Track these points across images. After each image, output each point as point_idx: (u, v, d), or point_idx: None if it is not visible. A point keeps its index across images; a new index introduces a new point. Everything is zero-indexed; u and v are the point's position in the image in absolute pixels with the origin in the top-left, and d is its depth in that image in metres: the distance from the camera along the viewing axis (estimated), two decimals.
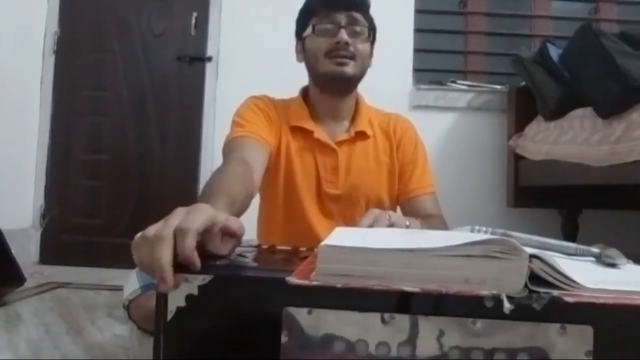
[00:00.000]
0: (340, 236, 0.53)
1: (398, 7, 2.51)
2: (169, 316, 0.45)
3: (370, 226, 0.73)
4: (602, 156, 1.59)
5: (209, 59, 2.59)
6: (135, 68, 2.63)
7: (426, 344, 0.41)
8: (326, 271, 0.44)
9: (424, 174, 1.21)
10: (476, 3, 2.69)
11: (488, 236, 0.53)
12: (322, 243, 0.46)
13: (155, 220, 0.50)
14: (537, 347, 0.41)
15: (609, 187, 1.89)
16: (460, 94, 2.56)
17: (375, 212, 0.77)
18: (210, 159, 2.52)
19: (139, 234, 0.49)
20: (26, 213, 2.56)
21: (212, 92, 2.58)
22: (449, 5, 2.70)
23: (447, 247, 0.44)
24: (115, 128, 2.63)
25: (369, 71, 1.17)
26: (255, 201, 1.04)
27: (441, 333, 0.41)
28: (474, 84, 2.58)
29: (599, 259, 0.57)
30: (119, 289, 1.03)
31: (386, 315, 0.42)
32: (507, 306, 0.41)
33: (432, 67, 2.65)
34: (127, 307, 0.94)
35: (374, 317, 0.42)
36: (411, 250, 0.44)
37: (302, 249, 0.68)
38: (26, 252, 2.45)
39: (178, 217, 0.49)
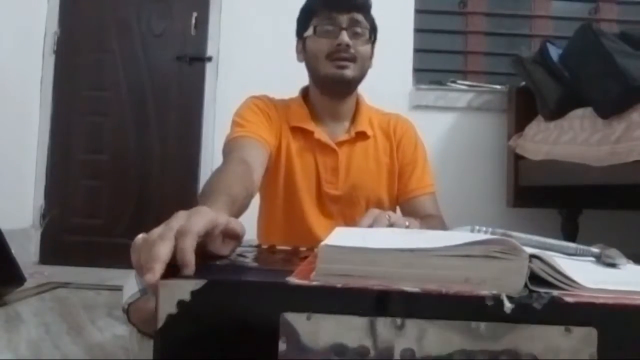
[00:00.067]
0: (340, 236, 0.53)
1: (398, 7, 2.51)
2: (159, 324, 0.42)
3: (370, 226, 0.73)
4: (602, 156, 1.59)
5: (209, 59, 2.59)
6: (135, 68, 2.63)
7: (429, 348, 0.41)
8: (326, 271, 0.44)
9: (424, 174, 1.21)
10: (476, 3, 2.69)
11: (488, 236, 0.53)
12: (322, 243, 0.45)
13: (155, 220, 0.49)
14: (541, 350, 0.41)
15: (609, 187, 1.89)
16: (460, 94, 2.56)
17: (375, 212, 0.77)
18: (210, 159, 2.52)
19: (139, 236, 0.48)
20: (26, 213, 2.56)
21: (212, 92, 2.58)
22: (449, 5, 2.70)
23: (447, 247, 0.44)
24: (115, 128, 2.63)
25: (369, 71, 1.17)
26: (256, 201, 1.04)
27: (445, 337, 0.41)
28: (474, 84, 2.58)
29: (599, 259, 0.57)
30: (119, 289, 1.03)
31: (388, 320, 0.41)
32: (507, 306, 0.41)
33: (432, 67, 2.65)
34: (127, 311, 0.94)
35: (375, 322, 0.41)
36: (411, 250, 0.44)
37: (302, 249, 0.68)
38: (26, 252, 2.45)
39: (179, 220, 0.48)
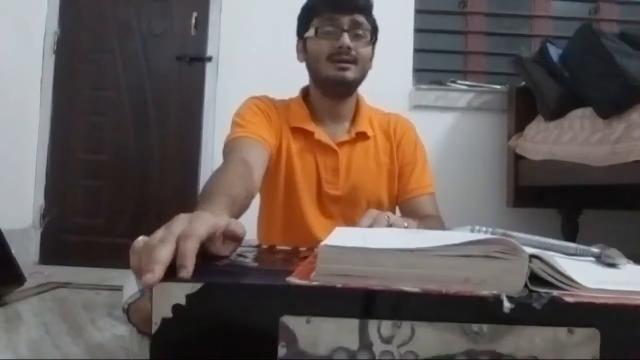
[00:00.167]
0: (340, 236, 0.53)
1: (398, 7, 2.51)
2: (154, 328, 0.41)
3: (370, 226, 0.73)
4: (602, 156, 1.59)
5: (209, 59, 2.59)
6: (135, 68, 2.63)
7: (430, 348, 0.41)
8: (326, 271, 0.44)
9: (423, 174, 1.21)
10: (476, 3, 2.69)
11: (488, 236, 0.53)
12: (322, 243, 0.45)
13: (155, 220, 0.49)
14: (541, 350, 0.41)
15: (609, 187, 1.89)
16: (460, 94, 2.56)
17: (374, 212, 0.77)
18: (210, 159, 2.52)
19: (139, 238, 0.48)
20: (26, 213, 2.56)
21: (212, 92, 2.58)
22: (449, 5, 2.70)
23: (447, 247, 0.44)
24: (115, 128, 2.63)
25: (369, 71, 1.17)
26: (256, 201, 1.04)
27: (445, 337, 0.41)
28: (474, 84, 2.58)
29: (599, 259, 0.57)
30: (119, 289, 1.03)
31: (389, 323, 0.41)
32: (507, 306, 0.41)
33: (432, 67, 2.65)
34: (127, 311, 0.94)
35: (376, 325, 0.41)
36: (411, 250, 0.44)
37: (302, 249, 0.68)
38: (26, 252, 2.44)
39: (181, 224, 0.48)
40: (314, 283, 0.43)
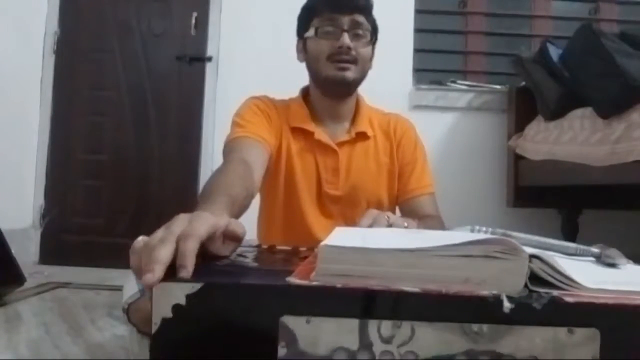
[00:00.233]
0: (340, 236, 0.53)
1: (398, 7, 2.51)
2: (154, 328, 0.41)
3: (370, 226, 0.73)
4: (602, 156, 1.59)
5: (209, 59, 2.59)
6: (135, 68, 2.63)
7: (430, 348, 0.41)
8: (326, 271, 0.44)
9: (423, 174, 1.21)
10: (476, 3, 2.69)
11: (488, 236, 0.53)
12: (322, 243, 0.45)
13: (155, 220, 0.49)
14: (541, 350, 0.41)
15: (609, 187, 1.89)
16: (460, 94, 2.56)
17: (373, 212, 0.77)
18: (210, 159, 2.52)
19: (139, 238, 0.48)
20: (26, 213, 2.56)
21: (212, 92, 2.58)
22: (449, 5, 2.70)
23: (447, 247, 0.44)
24: (115, 128, 2.63)
25: (369, 71, 1.17)
26: (256, 201, 1.04)
27: (445, 337, 0.41)
28: (474, 84, 2.58)
29: (599, 259, 0.57)
30: (119, 289, 1.03)
31: (389, 323, 0.41)
32: (507, 306, 0.41)
33: (432, 67, 2.65)
34: (127, 311, 0.94)
35: (376, 325, 0.41)
36: (411, 250, 0.44)
37: (302, 249, 0.68)
38: (26, 252, 2.44)
39: (181, 224, 0.48)
40: (314, 283, 0.43)
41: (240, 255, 0.58)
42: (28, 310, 1.51)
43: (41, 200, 2.60)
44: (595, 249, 0.58)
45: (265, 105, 1.16)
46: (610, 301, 0.41)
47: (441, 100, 2.55)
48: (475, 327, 0.41)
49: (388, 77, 2.07)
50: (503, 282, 0.42)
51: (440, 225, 1.10)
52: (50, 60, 2.62)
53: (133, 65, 2.63)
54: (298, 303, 0.41)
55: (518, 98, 2.36)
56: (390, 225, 0.75)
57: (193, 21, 2.60)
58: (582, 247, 0.58)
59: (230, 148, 1.05)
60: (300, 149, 1.16)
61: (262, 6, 2.57)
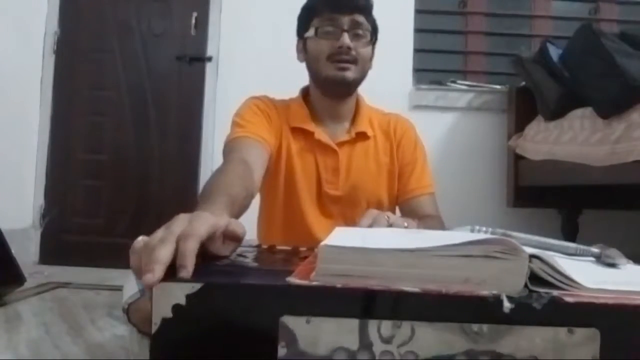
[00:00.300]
0: (340, 236, 0.53)
1: (398, 7, 2.51)
2: (154, 328, 0.41)
3: (370, 226, 0.73)
4: (602, 156, 1.59)
5: (209, 59, 2.59)
6: (135, 68, 2.63)
7: (430, 348, 0.41)
8: (326, 271, 0.44)
9: (423, 174, 1.21)
10: (476, 3, 2.69)
11: (488, 236, 0.53)
12: (322, 243, 0.45)
13: (156, 220, 0.49)
14: (541, 350, 0.41)
15: (609, 187, 1.89)
16: (460, 94, 2.56)
17: (373, 212, 0.77)
18: (210, 159, 2.52)
19: (139, 238, 0.48)
20: (26, 213, 2.56)
21: (212, 92, 2.58)
22: (449, 5, 2.70)
23: (447, 247, 0.44)
24: (115, 128, 2.63)
25: (369, 71, 1.17)
26: (256, 201, 1.04)
27: (445, 337, 0.41)
28: (474, 84, 2.58)
29: (599, 259, 0.57)
30: (119, 289, 1.03)
31: (389, 323, 0.41)
32: (507, 306, 0.41)
33: (432, 67, 2.65)
34: (127, 311, 0.94)
35: (376, 325, 0.41)
36: (411, 251, 0.44)
37: (302, 249, 0.68)
38: (26, 252, 2.44)
39: (181, 224, 0.48)
40: (314, 283, 0.43)
41: (240, 255, 0.58)
42: (28, 310, 1.51)
43: (41, 200, 2.60)
44: (595, 249, 0.58)
45: (265, 105, 1.16)
46: (610, 301, 0.41)
47: (441, 100, 2.55)
48: (475, 327, 0.41)
49: (388, 77, 2.07)
50: (503, 282, 0.42)
51: (440, 225, 1.10)
52: (50, 60, 2.62)
53: (133, 65, 2.63)
54: (298, 303, 0.41)
55: (518, 98, 2.36)
56: (390, 225, 0.75)
57: (193, 21, 2.60)
58: (582, 247, 0.58)
59: (230, 148, 1.05)
60: (300, 149, 1.16)
61: (262, 6, 2.57)
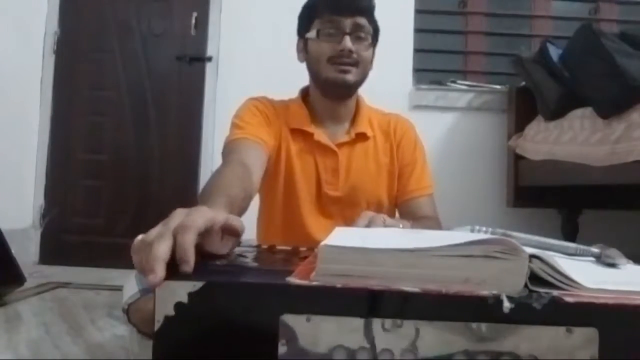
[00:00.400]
0: (340, 236, 0.53)
1: (398, 7, 2.51)
2: (156, 326, 0.42)
3: (367, 227, 0.73)
4: (602, 156, 1.59)
5: (209, 59, 2.59)
6: (135, 68, 2.63)
7: (430, 348, 0.41)
8: (326, 271, 0.44)
9: (423, 175, 1.21)
10: (476, 3, 2.69)
11: (488, 236, 0.53)
12: (322, 243, 0.45)
13: (156, 220, 0.49)
14: (541, 350, 0.41)
15: (609, 187, 1.89)
16: (460, 94, 2.56)
17: (369, 214, 0.77)
18: (210, 159, 2.52)
19: (139, 237, 0.48)
20: (26, 213, 2.56)
21: (212, 92, 2.58)
22: (449, 5, 2.70)
23: (447, 247, 0.44)
24: (115, 128, 2.63)
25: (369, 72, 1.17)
26: (255, 202, 1.04)
27: (445, 337, 0.41)
28: (474, 84, 2.58)
29: (599, 259, 0.57)
30: (119, 289, 1.03)
31: (388, 321, 0.41)
32: (507, 306, 0.41)
33: (432, 67, 2.65)
34: (127, 311, 0.94)
35: (376, 323, 0.41)
36: (411, 251, 0.44)
37: (302, 249, 0.68)
38: (26, 252, 2.44)
39: (177, 218, 0.48)
40: (314, 283, 0.43)
41: (240, 255, 0.58)
42: (28, 310, 1.51)
43: (41, 200, 2.60)
44: (595, 249, 0.58)
45: (264, 107, 1.16)
46: (610, 301, 0.41)
47: (441, 100, 2.55)
48: (475, 326, 0.41)
49: (388, 77, 2.07)
50: (503, 282, 0.42)
51: (437, 227, 1.09)
52: (50, 60, 2.62)
53: (133, 65, 2.63)
54: (298, 302, 0.42)
55: (518, 98, 2.36)
56: (385, 227, 0.75)
57: (193, 21, 2.60)
58: (582, 247, 0.58)
59: (229, 150, 1.05)
60: (300, 150, 1.16)
61: (262, 6, 2.57)
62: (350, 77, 1.10)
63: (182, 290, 0.42)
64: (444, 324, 0.41)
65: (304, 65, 1.18)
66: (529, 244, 0.55)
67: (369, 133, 1.19)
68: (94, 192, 2.62)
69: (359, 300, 0.42)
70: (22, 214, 2.54)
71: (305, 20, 1.14)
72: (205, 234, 0.49)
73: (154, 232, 0.47)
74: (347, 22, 1.08)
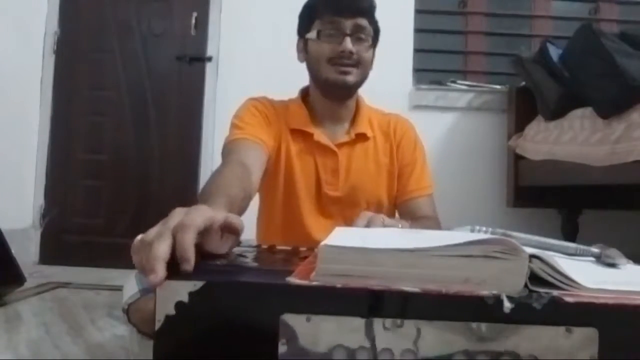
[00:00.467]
0: (340, 236, 0.53)
1: (398, 7, 2.51)
2: (157, 325, 0.42)
3: (366, 227, 0.73)
4: (602, 156, 1.59)
5: (209, 59, 2.59)
6: (135, 68, 2.63)
7: (429, 348, 0.41)
8: (326, 271, 0.44)
9: (422, 175, 1.21)
10: (476, 3, 2.69)
11: (488, 236, 0.53)
12: (322, 243, 0.45)
13: (156, 220, 0.49)
14: (541, 350, 0.41)
15: (609, 187, 1.89)
16: (460, 94, 2.56)
17: (368, 214, 0.77)
18: (210, 159, 2.52)
19: (138, 237, 0.48)
20: (26, 213, 2.56)
21: (212, 92, 2.58)
22: (449, 5, 2.70)
23: (447, 247, 0.44)
24: (115, 128, 2.63)
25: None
26: (255, 202, 1.04)
27: (445, 337, 0.41)
28: (474, 84, 2.58)
29: (599, 259, 0.57)
30: (119, 289, 1.03)
31: (388, 321, 0.41)
32: (507, 306, 0.41)
33: (432, 67, 2.65)
34: (127, 311, 0.94)
35: (375, 323, 0.41)
36: (411, 251, 0.44)
37: (302, 249, 0.68)
38: (26, 252, 2.44)
39: (177, 217, 0.48)
40: (314, 283, 0.43)
41: (240, 255, 0.58)
42: (28, 310, 1.51)
43: (41, 200, 2.60)
44: (595, 249, 0.58)
45: (264, 107, 1.16)
46: (610, 301, 0.41)
47: (441, 100, 2.55)
48: (474, 326, 0.41)
49: (388, 77, 2.07)
50: (503, 282, 0.42)
51: (437, 227, 1.09)
52: (50, 60, 2.62)
53: (133, 65, 2.63)
54: (299, 302, 0.42)
55: (518, 98, 2.36)
56: (384, 227, 0.75)
57: (193, 21, 2.60)
58: (582, 247, 0.58)
59: (228, 150, 1.05)
60: (300, 150, 1.16)
61: (262, 6, 2.57)
62: (350, 78, 1.10)
63: (183, 290, 0.42)
64: (444, 324, 0.41)
65: (304, 65, 1.18)
66: (529, 244, 0.55)
67: (369, 133, 1.19)
68: (94, 192, 2.62)
69: (359, 300, 0.42)
70: (22, 214, 2.54)
71: (306, 20, 1.14)
72: (204, 233, 0.49)
73: (153, 231, 0.47)
74: (348, 23, 1.08)
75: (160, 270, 0.42)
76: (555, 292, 0.42)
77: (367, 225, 0.74)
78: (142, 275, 0.46)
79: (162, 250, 0.44)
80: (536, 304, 0.41)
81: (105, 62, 2.63)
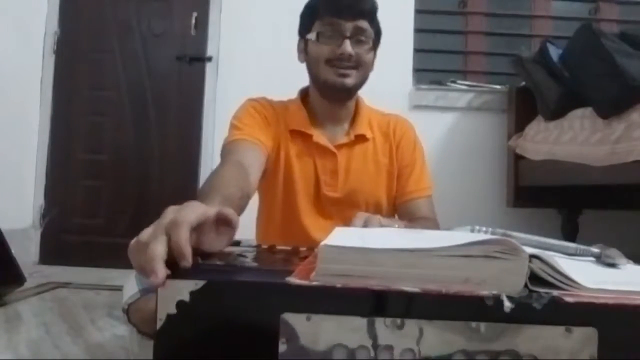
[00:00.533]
0: (340, 236, 0.53)
1: (398, 7, 2.51)
2: (159, 324, 0.42)
3: (363, 227, 0.73)
4: (602, 156, 1.59)
5: (209, 59, 2.59)
6: (135, 68, 2.63)
7: (429, 348, 0.41)
8: (326, 271, 0.44)
9: (422, 176, 1.21)
10: (476, 3, 2.69)
11: (488, 236, 0.53)
12: (322, 243, 0.45)
13: (155, 220, 0.49)
14: (541, 350, 0.41)
15: (609, 187, 1.89)
16: (460, 94, 2.56)
17: (364, 214, 0.77)
18: (210, 159, 2.52)
19: (134, 239, 0.48)
20: (26, 213, 2.56)
21: (212, 92, 2.58)
22: (449, 5, 2.70)
23: (447, 247, 0.44)
24: (115, 128, 2.63)
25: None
26: (255, 203, 1.04)
27: (445, 337, 0.41)
28: (474, 84, 2.58)
29: (599, 259, 0.57)
30: (119, 289, 1.03)
31: (388, 320, 0.41)
32: (507, 306, 0.41)
33: (432, 67, 2.65)
34: (127, 311, 0.94)
35: (375, 322, 0.41)
36: (411, 251, 0.44)
37: (302, 249, 0.68)
38: (26, 252, 2.44)
39: (169, 215, 0.49)
40: (314, 283, 0.43)
41: (240, 255, 0.58)
42: (28, 310, 1.51)
43: (41, 200, 2.60)
44: (595, 249, 0.58)
45: (263, 108, 1.16)
46: (610, 301, 0.41)
47: (441, 100, 2.55)
48: (474, 325, 0.41)
49: (388, 77, 2.07)
50: (503, 282, 0.42)
51: (435, 228, 1.09)
52: (50, 60, 2.62)
53: (133, 65, 2.63)
54: (299, 302, 0.42)
55: (518, 98, 2.36)
56: (382, 227, 0.75)
57: (193, 21, 2.60)
58: (582, 247, 0.58)
59: (227, 150, 1.05)
60: (299, 151, 1.16)
61: (262, 6, 2.57)
62: (350, 81, 1.09)
63: (184, 289, 0.42)
64: (444, 324, 0.41)
65: (303, 66, 1.17)
66: (529, 244, 0.55)
67: (369, 135, 1.19)
68: (94, 192, 2.62)
69: (358, 300, 0.42)
70: (22, 214, 2.54)
71: (307, 21, 1.14)
72: (198, 229, 0.49)
73: (147, 232, 0.47)
74: (348, 26, 1.07)
75: (160, 270, 0.42)
76: (555, 292, 0.42)
77: (365, 226, 0.74)
78: (142, 276, 0.46)
79: (159, 250, 0.44)
80: (536, 304, 0.41)
81: (105, 62, 2.63)
